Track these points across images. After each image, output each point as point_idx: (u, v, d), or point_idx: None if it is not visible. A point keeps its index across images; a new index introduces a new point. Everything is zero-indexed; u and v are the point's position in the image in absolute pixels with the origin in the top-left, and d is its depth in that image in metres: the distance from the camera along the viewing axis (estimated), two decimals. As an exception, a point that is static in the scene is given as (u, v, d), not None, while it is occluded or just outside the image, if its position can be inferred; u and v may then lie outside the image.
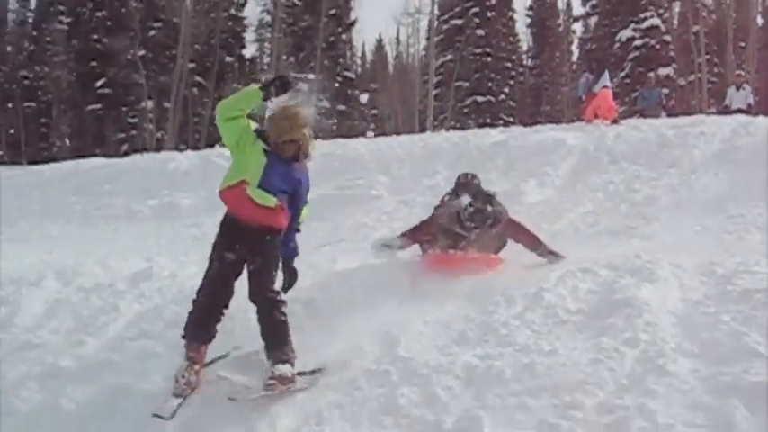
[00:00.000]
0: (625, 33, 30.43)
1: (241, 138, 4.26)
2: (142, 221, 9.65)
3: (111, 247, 7.55)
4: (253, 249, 4.27)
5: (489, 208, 5.63)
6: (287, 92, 4.23)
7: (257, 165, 4.21)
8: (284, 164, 4.29)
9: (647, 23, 30.12)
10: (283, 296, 4.30)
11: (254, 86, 4.29)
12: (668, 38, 30.99)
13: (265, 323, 4.17)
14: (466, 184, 5.90)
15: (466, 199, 5.61)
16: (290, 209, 4.37)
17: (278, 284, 4.34)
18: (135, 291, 5.57)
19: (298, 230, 4.60)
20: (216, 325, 4.35)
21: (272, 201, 4.22)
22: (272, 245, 4.32)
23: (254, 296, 4.22)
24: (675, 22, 35.07)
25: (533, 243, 5.77)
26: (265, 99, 4.22)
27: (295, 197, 4.39)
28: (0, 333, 5.16)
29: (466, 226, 5.60)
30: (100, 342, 4.91)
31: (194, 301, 4.36)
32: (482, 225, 5.59)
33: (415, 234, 5.90)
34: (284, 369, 3.98)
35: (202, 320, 4.31)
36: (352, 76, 35.82)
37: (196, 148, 20.28)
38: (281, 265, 4.44)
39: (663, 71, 28.61)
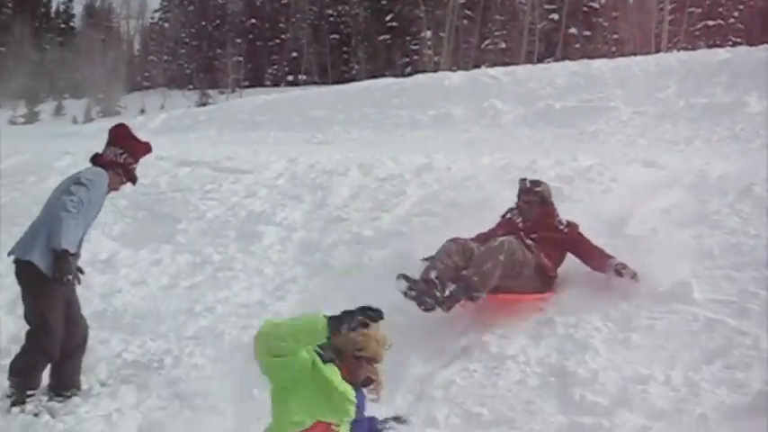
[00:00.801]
0: None
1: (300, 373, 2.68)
2: (423, 128, 10.86)
3: (399, 148, 8.76)
4: None
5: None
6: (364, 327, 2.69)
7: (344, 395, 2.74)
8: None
9: None
10: None
11: (320, 317, 2.62)
12: None
13: None
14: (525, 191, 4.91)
15: None
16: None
17: None
18: (418, 179, 6.74)
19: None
20: None
21: None
22: None
23: None
24: None
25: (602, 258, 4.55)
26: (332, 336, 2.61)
27: None
28: (318, 210, 6.63)
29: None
30: (392, 218, 6.13)
31: None
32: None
33: None
34: None
35: None
36: (597, 6, 40.27)
37: (466, 68, 21.71)
38: None
39: None
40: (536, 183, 4.97)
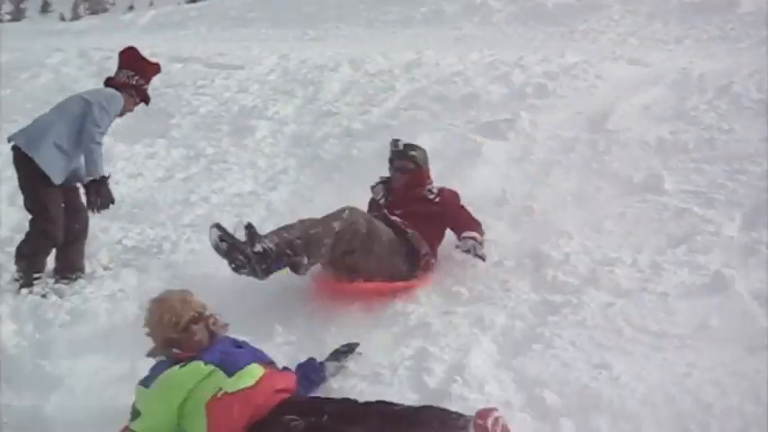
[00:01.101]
0: None
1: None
2: (414, 25, 10.83)
3: (390, 44, 8.79)
4: None
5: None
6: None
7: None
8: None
9: None
10: None
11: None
12: None
13: None
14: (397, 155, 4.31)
15: None
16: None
17: None
18: (407, 75, 6.84)
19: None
20: None
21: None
22: None
23: None
24: None
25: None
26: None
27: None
28: (308, 105, 6.75)
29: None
30: (381, 112, 6.28)
31: None
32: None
33: None
34: None
35: None
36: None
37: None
38: None
39: None
40: (411, 146, 4.33)
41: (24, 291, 4.30)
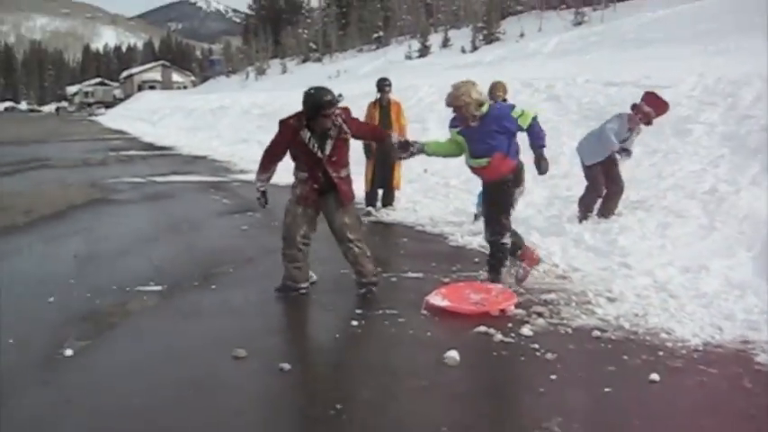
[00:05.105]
0: None
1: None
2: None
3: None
4: None
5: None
6: None
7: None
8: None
9: None
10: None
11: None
12: None
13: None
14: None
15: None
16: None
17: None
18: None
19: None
20: None
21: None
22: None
23: None
24: None
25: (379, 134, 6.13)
26: None
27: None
28: (731, 111, 9.16)
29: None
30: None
31: None
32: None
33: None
34: None
35: None
36: None
37: None
38: None
39: None
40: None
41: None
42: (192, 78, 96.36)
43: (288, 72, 61.22)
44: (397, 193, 9.71)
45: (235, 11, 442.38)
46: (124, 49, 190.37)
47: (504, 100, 8.18)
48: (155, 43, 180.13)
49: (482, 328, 4.68)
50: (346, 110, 5.43)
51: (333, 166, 5.33)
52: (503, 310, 5.04)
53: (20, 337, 4.65)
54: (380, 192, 9.58)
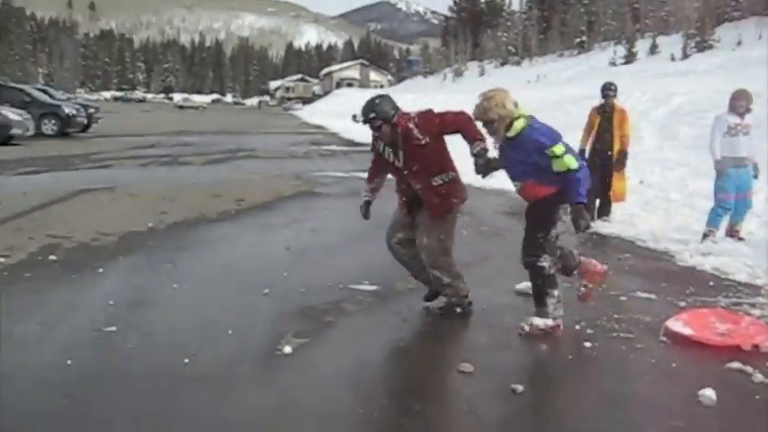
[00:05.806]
0: None
1: None
2: None
3: None
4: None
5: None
6: None
7: None
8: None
9: None
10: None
11: None
12: None
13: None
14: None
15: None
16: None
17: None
18: None
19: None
20: None
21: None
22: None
23: None
24: None
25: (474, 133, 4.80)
26: None
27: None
28: None
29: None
30: None
31: None
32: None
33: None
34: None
35: None
36: None
37: None
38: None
39: None
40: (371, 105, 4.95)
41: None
42: (389, 77, 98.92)
43: (486, 74, 60.96)
44: (613, 205, 9.02)
45: (434, 12, 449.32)
46: (325, 47, 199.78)
47: (748, 110, 7.37)
48: (354, 42, 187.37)
49: (736, 365, 4.07)
50: (424, 112, 4.96)
51: (415, 176, 4.92)
52: (756, 345, 4.37)
53: (238, 329, 4.61)
54: (597, 202, 8.93)
